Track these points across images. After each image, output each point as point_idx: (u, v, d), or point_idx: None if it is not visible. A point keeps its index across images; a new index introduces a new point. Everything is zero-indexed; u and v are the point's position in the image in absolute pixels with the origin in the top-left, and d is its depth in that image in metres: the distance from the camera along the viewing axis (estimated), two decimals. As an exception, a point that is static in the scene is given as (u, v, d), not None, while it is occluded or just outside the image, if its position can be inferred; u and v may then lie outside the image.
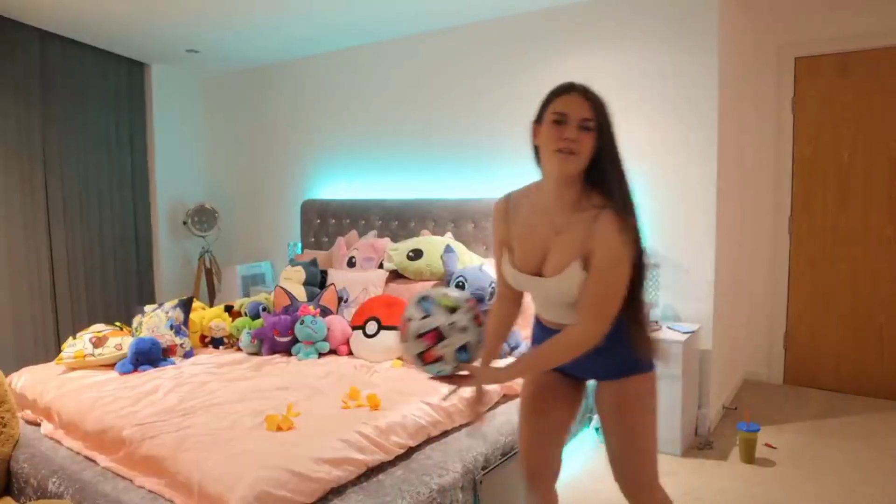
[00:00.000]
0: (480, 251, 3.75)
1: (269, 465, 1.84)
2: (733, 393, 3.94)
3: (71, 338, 3.08)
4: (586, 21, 3.56)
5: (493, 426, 2.49)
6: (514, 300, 1.78)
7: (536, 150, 1.59)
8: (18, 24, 4.10)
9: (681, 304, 3.38)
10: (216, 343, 3.47)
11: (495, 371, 1.62)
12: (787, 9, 3.91)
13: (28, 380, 2.85)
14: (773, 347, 4.13)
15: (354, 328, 3.27)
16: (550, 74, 3.70)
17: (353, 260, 3.94)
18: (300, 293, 3.62)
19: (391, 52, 4.40)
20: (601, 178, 1.52)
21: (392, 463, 2.15)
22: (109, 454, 2.20)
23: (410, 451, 2.24)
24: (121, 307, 4.85)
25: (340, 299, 3.55)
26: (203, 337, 3.48)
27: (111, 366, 2.98)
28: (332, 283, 3.59)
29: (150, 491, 1.98)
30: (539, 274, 1.60)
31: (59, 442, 2.43)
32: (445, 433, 2.42)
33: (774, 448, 3.12)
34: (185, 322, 3.29)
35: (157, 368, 2.96)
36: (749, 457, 2.98)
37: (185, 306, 3.34)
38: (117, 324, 3.33)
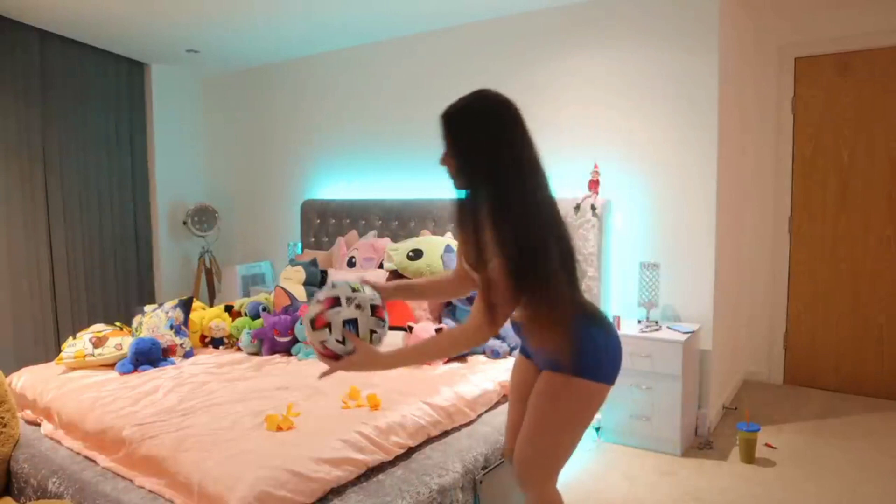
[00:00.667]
0: (480, 251, 3.75)
1: (269, 465, 1.84)
2: (733, 393, 3.94)
3: (71, 338, 3.08)
4: (586, 21, 3.56)
5: (494, 426, 2.49)
6: (462, 281, 1.87)
7: None
8: (18, 24, 4.10)
9: (681, 304, 3.38)
10: (216, 343, 3.47)
11: (375, 354, 1.63)
12: (788, 8, 3.91)
13: (28, 380, 2.85)
14: (773, 347, 4.13)
15: (354, 328, 3.27)
16: (550, 74, 3.70)
17: (353, 260, 3.94)
18: (300, 293, 3.63)
19: (390, 52, 4.40)
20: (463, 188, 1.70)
21: (392, 463, 2.14)
22: (109, 454, 2.20)
23: (410, 451, 2.24)
24: (121, 307, 4.85)
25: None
26: (203, 337, 3.48)
27: (111, 366, 2.98)
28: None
29: (150, 491, 1.98)
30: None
31: (59, 442, 2.43)
32: (445, 433, 2.42)
33: (774, 448, 3.12)
34: (185, 322, 3.29)
35: (157, 368, 2.96)
36: (749, 457, 2.98)
37: (185, 306, 3.34)
38: (117, 324, 3.33)
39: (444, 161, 1.73)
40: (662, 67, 3.35)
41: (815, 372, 4.01)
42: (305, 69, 4.90)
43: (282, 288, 3.53)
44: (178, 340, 3.17)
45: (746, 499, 2.65)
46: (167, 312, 3.24)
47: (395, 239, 4.10)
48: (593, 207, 3.36)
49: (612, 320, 2.10)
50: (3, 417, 2.43)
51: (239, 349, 3.38)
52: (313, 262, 3.94)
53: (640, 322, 3.32)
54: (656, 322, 3.28)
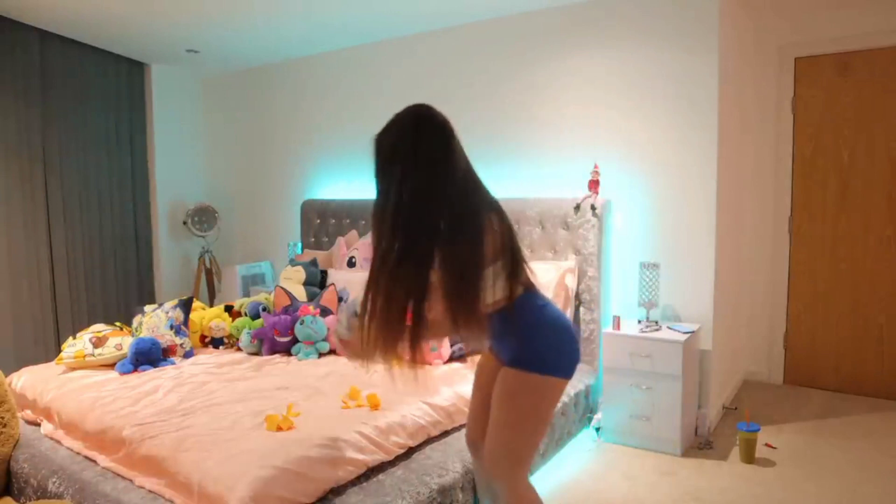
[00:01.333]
0: (480, 251, 3.75)
1: (269, 465, 1.84)
2: (733, 393, 3.94)
3: (71, 338, 3.08)
4: (586, 21, 3.56)
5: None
6: None
7: None
8: (18, 24, 4.10)
9: (681, 304, 3.38)
10: (216, 343, 3.47)
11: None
12: (788, 8, 3.91)
13: (28, 380, 2.85)
14: (773, 347, 4.13)
15: (354, 328, 3.27)
16: (550, 74, 3.70)
17: (353, 260, 3.93)
18: (300, 293, 3.63)
19: (390, 52, 4.40)
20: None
21: (392, 463, 2.15)
22: (109, 454, 2.20)
23: (410, 451, 2.24)
24: (121, 307, 4.85)
25: (340, 299, 3.55)
26: (203, 337, 3.48)
27: (111, 366, 2.98)
28: (332, 283, 3.58)
29: (150, 491, 1.98)
30: None
31: (59, 442, 2.43)
32: (445, 433, 2.42)
33: (774, 448, 3.12)
34: (185, 322, 3.29)
35: (157, 368, 2.96)
36: (749, 457, 2.98)
37: (185, 306, 3.34)
38: (117, 324, 3.33)
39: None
40: (662, 67, 3.35)
41: (815, 372, 4.01)
42: (305, 69, 4.90)
43: (282, 288, 3.53)
44: (178, 340, 3.17)
45: (746, 499, 2.65)
46: (167, 312, 3.24)
47: (395, 239, 4.09)
48: (593, 207, 3.36)
49: (565, 314, 2.15)
50: (3, 417, 2.43)
51: (239, 349, 3.38)
52: (313, 262, 3.94)
53: (640, 322, 3.32)
54: (656, 322, 3.27)
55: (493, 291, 1.69)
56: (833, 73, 3.85)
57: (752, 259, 4.17)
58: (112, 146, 4.86)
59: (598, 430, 3.28)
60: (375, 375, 2.84)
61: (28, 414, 2.72)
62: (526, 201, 3.62)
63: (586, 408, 3.32)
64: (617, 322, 3.26)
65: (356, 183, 4.67)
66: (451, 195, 1.71)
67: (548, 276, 3.27)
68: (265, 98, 5.20)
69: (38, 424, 2.62)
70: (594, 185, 3.39)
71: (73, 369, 2.93)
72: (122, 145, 4.93)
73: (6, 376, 2.73)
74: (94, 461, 2.22)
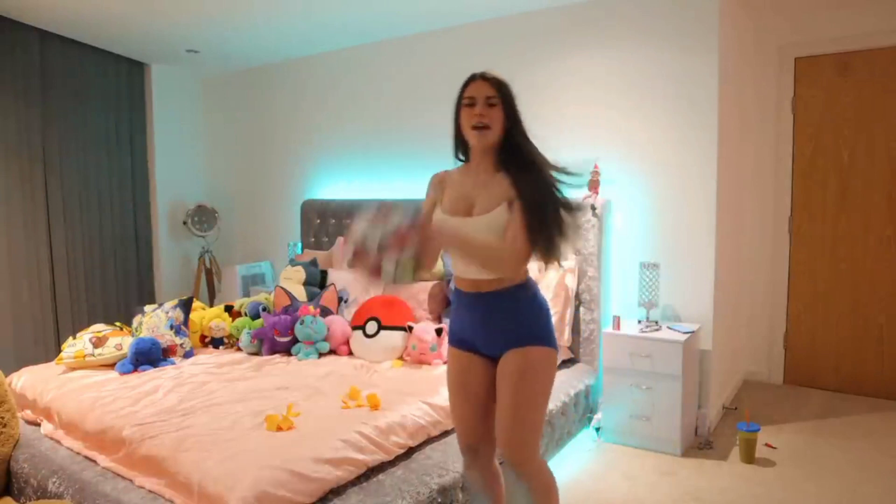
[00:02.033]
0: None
1: (269, 465, 1.85)
2: (733, 393, 3.94)
3: (71, 338, 3.08)
4: (586, 21, 3.56)
5: (493, 426, 2.49)
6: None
7: (456, 136, 1.97)
8: (18, 24, 4.10)
9: (681, 304, 3.38)
10: (216, 343, 3.47)
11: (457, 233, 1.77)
12: (788, 8, 3.91)
13: (28, 380, 2.85)
14: (773, 347, 4.13)
15: (354, 328, 3.27)
16: (550, 74, 3.70)
17: (353, 260, 3.93)
18: (300, 293, 3.63)
19: (390, 52, 4.39)
20: (512, 145, 1.84)
21: (392, 463, 2.15)
22: (109, 454, 2.20)
23: (410, 451, 2.24)
24: (121, 307, 4.85)
25: (340, 299, 3.55)
26: (203, 337, 3.48)
27: (111, 366, 2.98)
28: (333, 284, 3.59)
29: (150, 491, 1.98)
30: (468, 216, 1.84)
31: (59, 442, 2.43)
32: (445, 433, 2.42)
33: (774, 448, 3.12)
34: (185, 322, 3.29)
35: (157, 368, 2.96)
36: (749, 457, 2.98)
37: (185, 306, 3.34)
38: (117, 324, 3.33)
39: (486, 109, 1.83)
40: (662, 67, 3.35)
41: (815, 372, 4.01)
42: (305, 69, 4.90)
43: (282, 288, 3.53)
44: (178, 340, 3.17)
45: (746, 499, 2.65)
46: (167, 312, 3.24)
47: (395, 239, 4.09)
48: (593, 207, 3.36)
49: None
50: (3, 417, 2.43)
51: (239, 349, 3.38)
52: (313, 262, 3.94)
53: (640, 322, 3.32)
54: (656, 322, 3.27)
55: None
56: (833, 73, 3.85)
57: (752, 259, 4.16)
58: (112, 146, 4.86)
59: (598, 430, 3.28)
60: (375, 375, 2.84)
61: (28, 414, 2.72)
62: (526, 201, 3.61)
63: (586, 408, 3.32)
64: (617, 322, 3.26)
65: (356, 183, 4.67)
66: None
67: (548, 275, 3.27)
68: (265, 98, 5.20)
69: (38, 424, 2.62)
70: (594, 185, 3.39)
71: (73, 369, 2.93)
72: (122, 145, 4.93)
73: (6, 376, 2.73)
74: (94, 461, 2.22)
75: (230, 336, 3.47)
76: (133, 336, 3.14)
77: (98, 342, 3.00)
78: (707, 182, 3.27)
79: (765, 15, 3.98)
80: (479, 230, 1.77)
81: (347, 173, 4.73)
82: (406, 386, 2.63)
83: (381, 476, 2.06)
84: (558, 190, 1.82)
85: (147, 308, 3.33)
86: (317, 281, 3.84)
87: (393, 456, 2.15)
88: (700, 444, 3.20)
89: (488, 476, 1.99)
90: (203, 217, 5.25)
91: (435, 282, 3.49)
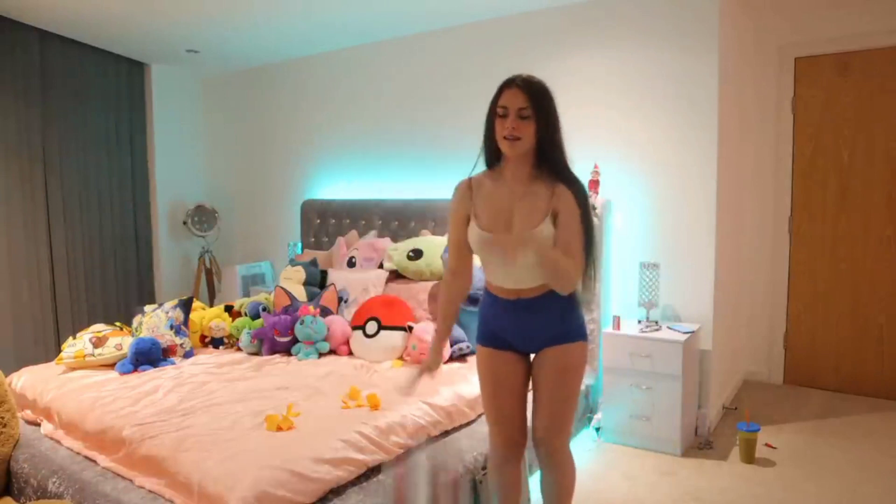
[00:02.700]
0: (480, 251, 3.75)
1: (269, 465, 1.84)
2: (733, 393, 3.94)
3: (71, 338, 3.08)
4: (587, 21, 3.56)
5: (493, 426, 2.49)
6: (464, 274, 2.02)
7: (487, 141, 1.91)
8: (18, 24, 4.09)
9: (681, 304, 3.38)
10: (216, 343, 3.47)
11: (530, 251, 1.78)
12: (788, 8, 3.91)
13: (28, 380, 2.85)
14: (773, 347, 4.13)
15: (354, 328, 3.27)
16: (551, 74, 3.67)
17: (353, 260, 3.93)
18: (300, 293, 3.62)
19: (391, 52, 4.39)
20: (546, 155, 1.83)
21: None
22: (109, 454, 2.20)
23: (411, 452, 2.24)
24: (121, 307, 4.85)
25: (340, 299, 3.55)
26: (203, 337, 3.48)
27: (111, 366, 2.98)
28: (332, 284, 3.58)
29: (150, 491, 1.98)
30: (507, 233, 1.84)
31: (59, 442, 2.43)
32: (445, 433, 2.42)
33: (774, 448, 3.12)
34: (185, 322, 3.29)
35: (157, 368, 2.96)
36: (749, 457, 2.98)
37: (185, 306, 3.34)
38: (117, 324, 3.33)
39: (518, 122, 1.78)
40: (662, 67, 3.35)
41: (815, 372, 4.00)
42: (305, 69, 4.90)
43: (282, 288, 3.53)
44: (178, 340, 3.17)
45: (746, 499, 2.65)
46: (167, 312, 3.24)
47: (395, 239, 4.10)
48: (593, 207, 3.36)
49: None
50: (3, 417, 2.43)
51: (239, 349, 3.38)
52: (313, 262, 3.94)
53: (640, 322, 3.32)
54: (656, 322, 3.27)
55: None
56: (833, 73, 3.85)
57: (752, 259, 4.16)
58: (112, 146, 4.85)
59: (598, 430, 3.28)
60: (375, 375, 2.84)
61: (28, 414, 2.72)
62: (526, 201, 3.61)
63: (586, 408, 3.32)
64: (617, 322, 3.26)
65: (356, 183, 4.67)
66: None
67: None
68: (265, 98, 5.20)
69: (38, 424, 2.62)
70: (594, 185, 3.39)
71: (73, 369, 2.93)
72: (122, 145, 4.93)
73: (6, 376, 2.73)
74: (94, 461, 2.22)
75: (230, 336, 3.47)
76: (133, 336, 3.14)
77: (98, 342, 3.00)
78: (707, 182, 3.27)
79: (765, 15, 3.98)
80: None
81: (347, 173, 4.73)
82: (406, 386, 2.63)
83: (381, 476, 2.06)
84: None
85: (147, 308, 3.33)
86: (317, 281, 3.84)
87: (393, 456, 2.15)
88: (700, 444, 3.20)
89: (517, 474, 2.04)
90: (203, 217, 5.25)
91: (435, 282, 3.49)
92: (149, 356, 2.98)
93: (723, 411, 3.63)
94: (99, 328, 3.16)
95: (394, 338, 3.13)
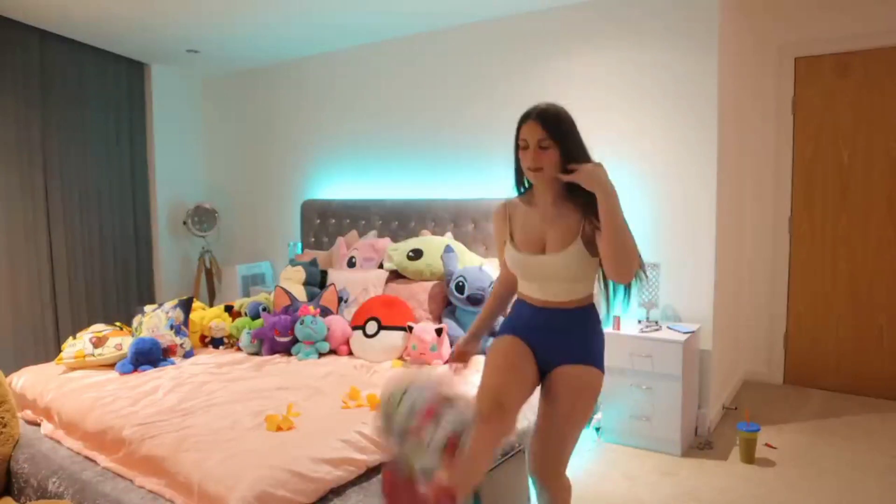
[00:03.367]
0: (480, 251, 3.75)
1: (269, 465, 1.84)
2: (733, 393, 3.94)
3: (71, 338, 3.08)
4: (587, 21, 3.56)
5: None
6: (511, 282, 2.06)
7: (516, 168, 1.97)
8: (18, 24, 4.09)
9: (681, 304, 3.38)
10: (216, 343, 3.47)
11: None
12: (787, 9, 3.91)
13: (28, 380, 2.85)
14: (773, 347, 4.13)
15: (354, 328, 3.27)
16: (551, 74, 3.70)
17: (353, 260, 3.93)
18: (300, 293, 3.62)
19: (391, 52, 4.39)
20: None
21: (392, 463, 2.14)
22: (109, 454, 2.20)
23: (410, 451, 2.24)
24: (121, 307, 4.85)
25: (340, 299, 3.55)
26: (203, 337, 3.48)
27: (111, 366, 2.98)
28: (332, 283, 3.58)
29: (150, 491, 1.98)
30: (541, 253, 1.88)
31: (59, 442, 2.43)
32: (445, 433, 2.41)
33: (774, 448, 3.12)
34: (185, 322, 3.29)
35: (157, 368, 2.96)
36: (749, 457, 2.98)
37: (185, 306, 3.34)
38: (117, 324, 3.33)
39: (539, 153, 1.84)
40: (662, 68, 3.35)
41: (815, 372, 4.00)
42: (306, 69, 4.90)
43: (282, 288, 3.53)
44: (178, 340, 3.17)
45: (746, 499, 2.65)
46: (167, 312, 3.24)
47: (395, 239, 4.10)
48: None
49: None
50: (3, 417, 2.43)
51: (239, 349, 3.38)
52: (313, 262, 3.94)
53: (640, 322, 3.32)
54: (656, 322, 3.27)
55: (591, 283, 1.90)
56: (833, 74, 3.85)
57: (752, 259, 4.17)
58: (112, 146, 4.85)
59: (598, 430, 3.28)
60: (375, 375, 2.84)
61: (28, 414, 2.72)
62: (526, 201, 3.61)
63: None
64: (617, 322, 3.26)
65: (356, 183, 4.67)
66: None
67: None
68: (265, 98, 5.20)
69: (38, 424, 2.62)
70: (594, 185, 3.39)
71: (73, 369, 2.93)
72: (122, 145, 4.93)
73: (6, 376, 2.73)
74: (94, 461, 2.22)
75: (230, 336, 3.47)
76: (133, 336, 3.14)
77: (98, 342, 3.00)
78: (707, 182, 3.27)
79: (764, 15, 3.98)
80: (556, 267, 1.83)
81: (347, 173, 4.73)
82: (406, 386, 2.62)
83: (381, 476, 2.06)
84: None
85: (147, 308, 3.33)
86: (317, 281, 3.84)
87: (393, 456, 2.15)
88: (700, 444, 3.20)
89: (488, 440, 1.81)
90: (203, 217, 5.25)
91: (435, 282, 3.49)
92: (149, 356, 2.98)
93: (723, 411, 3.63)
94: (99, 328, 3.16)
95: (394, 338, 3.13)
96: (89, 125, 4.68)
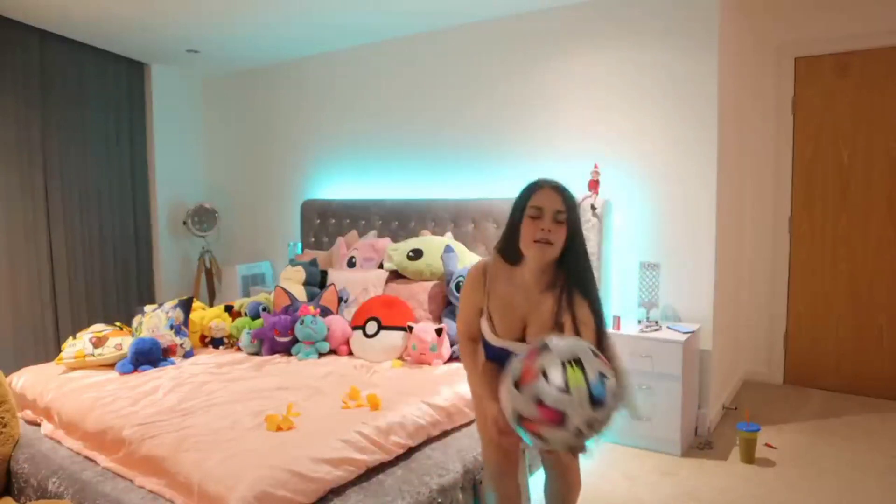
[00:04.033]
0: (480, 251, 3.75)
1: (269, 465, 1.84)
2: (733, 393, 3.94)
3: (71, 338, 3.08)
4: (587, 21, 3.56)
5: (493, 426, 2.49)
6: (476, 334, 1.92)
7: (509, 237, 1.79)
8: (18, 24, 4.09)
9: (681, 304, 3.38)
10: (216, 343, 3.47)
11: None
12: (787, 9, 3.91)
13: (28, 380, 2.85)
14: (773, 347, 4.13)
15: (354, 328, 3.27)
16: (551, 75, 3.70)
17: (354, 260, 3.93)
18: (300, 293, 3.62)
19: (391, 52, 4.40)
20: (569, 262, 1.73)
21: (392, 463, 2.15)
22: (109, 454, 2.20)
23: (410, 451, 2.24)
24: (121, 307, 4.85)
25: (340, 299, 3.55)
26: (203, 337, 3.48)
27: (111, 366, 2.98)
28: (333, 283, 3.59)
29: (150, 491, 1.98)
30: (521, 340, 1.79)
31: (59, 442, 2.43)
32: (445, 433, 2.42)
33: (774, 448, 3.12)
34: (185, 322, 3.29)
35: (157, 368, 2.96)
36: (749, 457, 2.98)
37: (185, 306, 3.34)
38: (117, 324, 3.33)
39: (553, 225, 1.71)
40: (662, 68, 3.35)
41: (816, 372, 4.01)
42: (305, 69, 4.90)
43: (282, 288, 3.53)
44: (178, 340, 3.17)
45: (746, 499, 2.65)
46: (167, 312, 3.24)
47: (395, 239, 4.10)
48: (593, 207, 3.36)
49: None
50: (3, 417, 2.43)
51: (239, 349, 3.38)
52: (313, 262, 3.94)
53: (640, 322, 3.32)
54: (656, 322, 3.27)
55: None
56: (833, 74, 3.85)
57: (752, 259, 4.17)
58: (112, 146, 4.85)
59: (598, 430, 3.27)
60: (375, 375, 2.84)
61: (28, 414, 2.72)
62: (526, 201, 3.61)
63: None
64: (617, 322, 3.26)
65: (356, 183, 4.67)
66: None
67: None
68: (265, 98, 5.20)
69: (38, 424, 2.62)
70: (594, 185, 3.39)
71: (73, 369, 2.93)
72: (122, 145, 4.93)
73: (6, 376, 2.73)
74: (94, 461, 2.22)
75: (230, 336, 3.47)
76: (133, 336, 3.14)
77: (98, 342, 3.00)
78: (707, 182, 3.27)
79: (764, 15, 3.98)
80: None
81: (347, 173, 4.73)
82: (406, 386, 2.63)
83: (381, 476, 2.06)
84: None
85: (147, 308, 3.33)
86: (317, 281, 3.84)
87: (393, 456, 2.15)
88: (700, 444, 3.20)
89: (515, 484, 1.95)
90: (203, 217, 5.25)
91: (434, 282, 3.49)
92: (149, 356, 2.98)
93: (723, 411, 3.63)
94: (99, 328, 3.16)
95: (394, 338, 3.13)
96: (89, 125, 4.68)
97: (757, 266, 4.16)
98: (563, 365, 1.37)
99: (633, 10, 3.41)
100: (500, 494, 1.94)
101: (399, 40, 4.35)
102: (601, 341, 1.68)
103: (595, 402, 1.35)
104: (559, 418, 1.33)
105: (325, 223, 4.60)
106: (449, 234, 3.81)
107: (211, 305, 5.03)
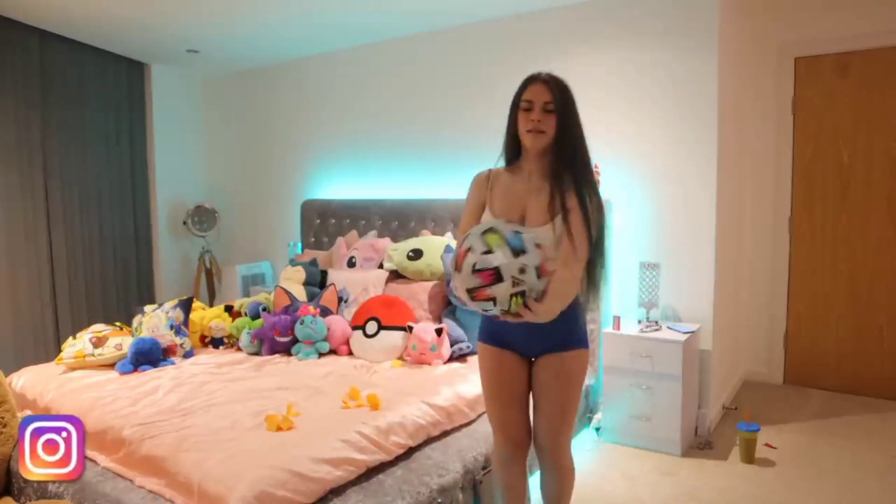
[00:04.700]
0: (480, 251, 3.74)
1: (269, 465, 1.85)
2: (733, 393, 3.94)
3: (71, 338, 3.08)
4: (587, 21, 3.56)
5: (493, 426, 2.49)
6: None
7: (508, 133, 1.95)
8: (18, 24, 4.09)
9: (681, 304, 3.37)
10: (216, 343, 3.47)
11: (547, 306, 1.72)
12: (787, 9, 3.91)
13: (28, 380, 2.85)
14: (773, 347, 4.13)
15: (354, 328, 3.27)
16: (550, 74, 3.69)
17: (353, 260, 3.93)
18: (300, 293, 3.62)
19: (391, 52, 4.39)
20: (561, 149, 1.84)
21: (392, 463, 2.15)
22: (109, 454, 2.20)
23: (410, 451, 2.24)
24: (121, 307, 4.85)
25: (340, 299, 3.55)
26: (203, 337, 3.48)
27: (111, 366, 2.98)
28: (333, 283, 3.59)
29: (150, 491, 1.98)
30: (520, 222, 1.87)
31: (59, 442, 2.43)
32: (445, 433, 2.42)
33: (774, 448, 3.12)
34: (185, 322, 3.29)
35: (157, 368, 2.96)
36: (749, 457, 2.98)
37: (185, 306, 3.34)
38: (117, 324, 3.33)
39: (543, 115, 1.82)
40: (662, 68, 3.35)
41: (815, 372, 4.00)
42: (306, 69, 4.90)
43: (282, 288, 3.53)
44: (178, 340, 3.17)
45: (746, 499, 2.65)
46: (167, 312, 3.24)
47: (395, 239, 4.10)
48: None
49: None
50: (3, 417, 2.43)
51: (239, 349, 3.38)
52: (313, 262, 3.94)
53: (640, 322, 3.32)
54: (656, 322, 3.27)
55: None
56: (833, 74, 3.85)
57: (752, 259, 4.16)
58: (112, 146, 4.85)
59: (598, 430, 3.28)
60: (375, 375, 2.84)
61: (28, 414, 2.71)
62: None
63: (586, 408, 3.32)
64: (617, 322, 3.26)
65: (356, 183, 4.67)
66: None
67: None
68: (265, 98, 5.20)
69: (38, 424, 2.62)
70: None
71: (73, 369, 2.93)
72: (122, 145, 4.93)
73: (6, 376, 2.73)
74: (94, 461, 2.22)
75: (230, 336, 3.47)
76: (133, 336, 3.14)
77: (98, 342, 3.00)
78: (707, 182, 3.27)
79: (764, 15, 3.98)
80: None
81: (347, 173, 4.73)
82: (406, 386, 2.63)
83: (381, 476, 2.06)
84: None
85: (147, 308, 3.33)
86: (317, 281, 3.84)
87: (393, 456, 2.15)
88: (700, 444, 3.20)
89: (522, 472, 2.03)
90: (203, 217, 5.25)
91: (434, 282, 3.49)
92: (149, 356, 2.98)
93: (723, 411, 3.63)
94: (99, 328, 3.16)
95: (394, 338, 3.13)
96: (89, 125, 4.68)
97: (757, 266, 4.16)
98: (481, 235, 1.65)
99: (633, 10, 3.41)
100: (506, 485, 2.00)
101: (399, 40, 4.35)
102: (588, 225, 1.79)
103: (516, 250, 1.62)
104: (495, 274, 1.59)
105: (325, 223, 4.60)
106: (449, 234, 3.81)
107: (211, 305, 5.03)
